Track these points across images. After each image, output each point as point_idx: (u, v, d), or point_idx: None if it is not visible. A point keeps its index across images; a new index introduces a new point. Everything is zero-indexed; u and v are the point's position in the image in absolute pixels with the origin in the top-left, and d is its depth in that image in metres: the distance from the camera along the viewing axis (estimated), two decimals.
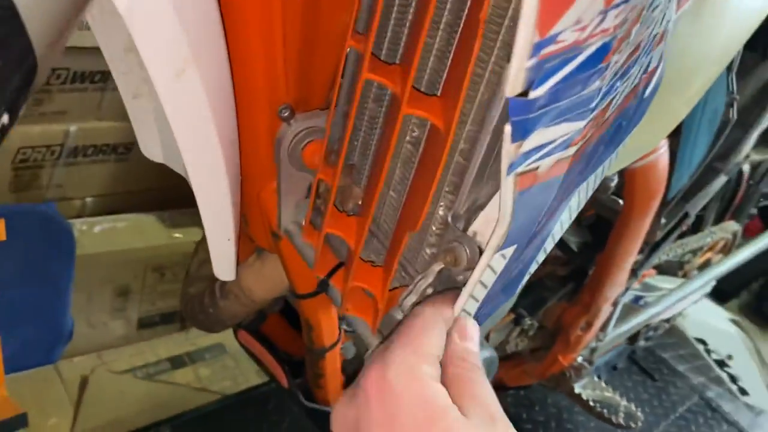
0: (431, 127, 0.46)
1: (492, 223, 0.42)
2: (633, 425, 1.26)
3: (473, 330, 0.46)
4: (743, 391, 2.33)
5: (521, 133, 0.30)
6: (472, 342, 0.45)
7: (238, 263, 0.75)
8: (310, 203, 0.58)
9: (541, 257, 0.48)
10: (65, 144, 1.58)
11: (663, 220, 1.01)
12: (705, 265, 1.64)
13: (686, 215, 1.06)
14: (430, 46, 0.45)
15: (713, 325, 2.43)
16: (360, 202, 0.56)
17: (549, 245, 0.47)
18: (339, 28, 0.54)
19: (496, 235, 0.38)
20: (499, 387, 1.34)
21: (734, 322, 2.52)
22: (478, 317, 0.46)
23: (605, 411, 1.23)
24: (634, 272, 1.07)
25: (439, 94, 0.45)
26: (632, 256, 0.99)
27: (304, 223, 0.61)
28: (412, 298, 0.51)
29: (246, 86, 0.52)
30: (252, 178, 0.60)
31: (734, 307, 2.91)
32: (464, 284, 0.52)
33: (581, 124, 0.34)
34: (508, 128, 0.30)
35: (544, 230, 0.43)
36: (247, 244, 0.71)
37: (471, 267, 0.47)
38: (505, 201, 0.35)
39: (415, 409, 0.39)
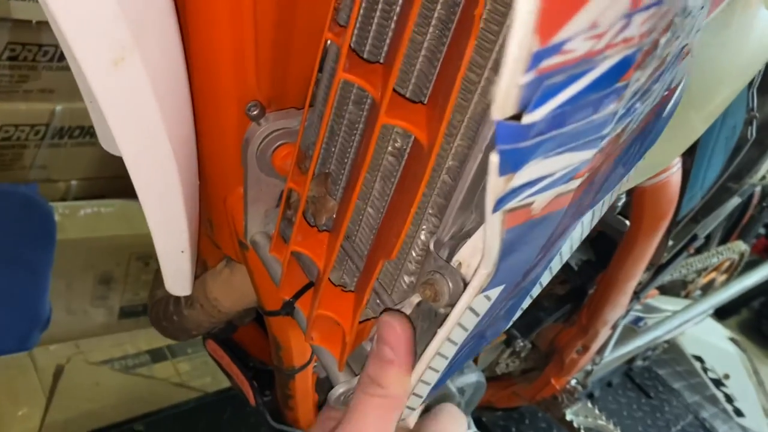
0: (414, 139, 0.39)
1: (477, 253, 0.36)
2: None
3: (393, 334, 0.40)
4: (738, 413, 2.29)
5: (512, 164, 0.24)
6: (385, 347, 0.40)
7: (207, 269, 0.69)
8: (279, 213, 0.52)
9: (536, 291, 0.41)
10: (51, 124, 1.52)
11: (670, 242, 0.95)
12: (708, 285, 1.58)
13: (695, 237, 0.99)
14: (419, 44, 0.39)
15: (711, 342, 2.39)
16: (334, 216, 0.49)
17: (546, 278, 0.41)
18: (321, 14, 0.47)
19: (478, 276, 0.32)
20: (487, 408, 1.28)
21: (733, 340, 2.47)
22: (454, 364, 0.40)
23: None
24: (636, 294, 1.01)
25: (425, 101, 0.39)
26: (636, 279, 0.93)
27: (272, 234, 0.55)
28: None
29: (209, 79, 0.46)
30: (217, 182, 0.53)
31: (733, 325, 2.85)
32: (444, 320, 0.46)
33: (589, 154, 0.27)
34: (494, 158, 0.23)
35: (541, 262, 0.37)
36: (216, 251, 0.65)
37: (453, 303, 0.41)
38: (491, 239, 0.29)
39: None
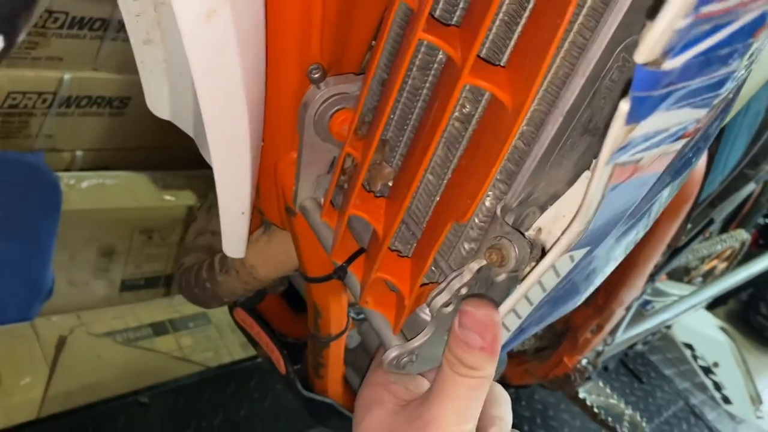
0: (491, 102, 0.39)
1: (561, 221, 0.36)
2: None
3: (475, 323, 0.41)
4: (726, 400, 2.33)
5: (640, 112, 0.24)
6: (472, 334, 0.41)
7: None
8: (333, 179, 0.52)
9: (610, 268, 0.42)
10: (58, 92, 1.50)
11: (689, 225, 0.96)
12: (710, 272, 1.60)
13: (711, 221, 1.00)
14: (498, 8, 0.39)
15: (702, 331, 2.42)
16: (390, 183, 0.49)
17: (620, 254, 0.41)
18: None
19: (570, 232, 0.32)
20: (501, 384, 1.28)
21: (723, 329, 2.50)
22: (524, 329, 0.40)
23: (609, 419, 1.19)
24: (651, 277, 1.02)
25: (503, 65, 0.39)
26: (654, 260, 0.94)
27: (323, 200, 0.55)
28: (444, 298, 0.45)
29: (276, 38, 0.46)
30: (271, 145, 0.54)
31: (721, 315, 2.90)
32: (504, 286, 0.47)
33: (702, 112, 0.28)
34: (625, 105, 0.23)
35: (627, 234, 0.37)
36: (255, 217, 0.65)
37: (518, 269, 0.42)
38: (593, 194, 0.29)
39: None
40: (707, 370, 2.37)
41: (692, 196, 0.84)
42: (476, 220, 0.44)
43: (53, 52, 1.44)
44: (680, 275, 1.51)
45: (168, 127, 0.63)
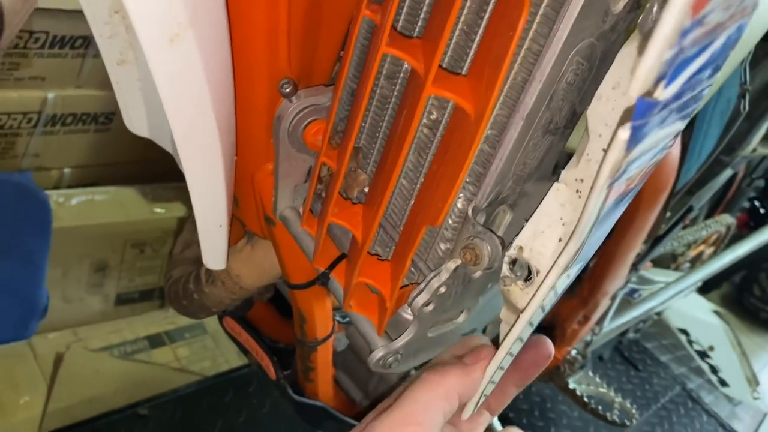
0: (455, 110, 0.41)
1: (541, 237, 0.38)
2: (627, 423, 1.23)
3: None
4: (723, 383, 2.35)
5: (638, 138, 0.25)
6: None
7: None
8: (310, 188, 0.53)
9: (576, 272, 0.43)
10: (43, 111, 1.51)
11: (668, 214, 0.98)
12: (697, 258, 1.62)
13: (690, 208, 1.02)
14: (456, 20, 0.40)
15: (696, 316, 2.44)
16: (366, 190, 0.51)
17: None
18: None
19: (566, 252, 0.33)
20: None
21: (717, 313, 2.53)
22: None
23: (600, 408, 1.20)
24: (634, 266, 1.04)
25: (464, 73, 0.41)
26: (635, 250, 0.95)
27: (302, 209, 0.56)
28: (424, 297, 0.46)
29: (245, 56, 0.47)
30: (247, 158, 0.55)
31: (716, 298, 2.92)
32: (481, 283, 0.48)
33: (685, 122, 0.29)
34: (624, 134, 0.24)
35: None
36: (238, 228, 0.67)
37: (491, 266, 0.43)
38: (590, 214, 0.30)
39: None
40: (703, 354, 2.38)
41: (668, 185, 0.85)
42: (450, 222, 0.45)
43: (36, 72, 1.45)
44: (668, 262, 1.52)
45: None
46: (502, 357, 0.40)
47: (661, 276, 1.36)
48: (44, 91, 1.49)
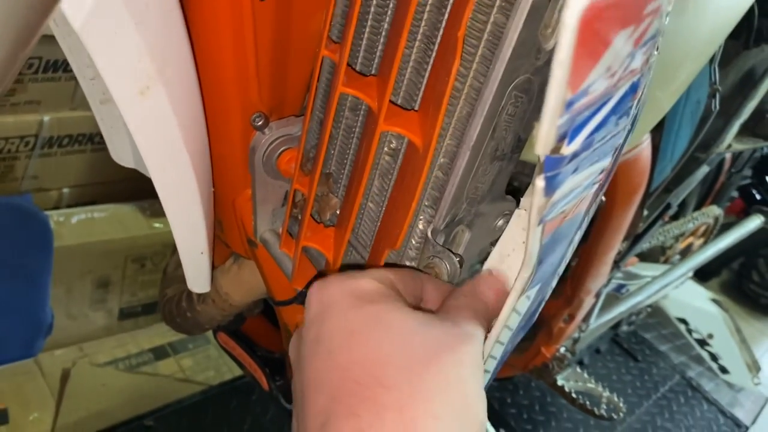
0: (408, 143, 0.44)
1: (507, 260, 0.41)
2: (615, 416, 1.27)
3: (492, 283, 0.42)
4: (723, 370, 2.36)
5: (554, 185, 0.28)
6: (487, 289, 0.42)
7: (214, 267, 0.73)
8: (286, 212, 0.57)
9: (555, 282, 0.46)
10: (39, 134, 1.55)
11: (645, 212, 1.01)
12: (687, 250, 1.65)
13: (668, 206, 1.05)
14: (407, 57, 0.43)
15: (695, 304, 2.46)
16: (338, 212, 0.54)
17: (562, 267, 0.46)
18: (312, 33, 0.52)
19: (520, 279, 0.36)
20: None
21: (715, 301, 2.55)
22: (500, 360, 0.45)
23: (587, 403, 1.24)
24: (616, 264, 1.07)
25: (416, 108, 0.44)
26: (615, 249, 0.98)
27: (280, 231, 0.60)
28: None
29: (217, 95, 0.50)
30: (226, 186, 0.58)
31: (715, 286, 2.94)
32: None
33: (608, 160, 0.32)
34: (540, 183, 0.28)
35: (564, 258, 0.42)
36: (224, 248, 0.70)
37: (452, 281, 0.47)
38: (532, 247, 0.33)
39: (345, 295, 0.38)
40: (702, 343, 2.40)
41: (641, 185, 0.88)
42: (413, 242, 0.48)
43: (31, 97, 1.49)
44: (657, 255, 1.55)
45: None
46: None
47: (648, 270, 1.39)
48: (40, 115, 1.53)
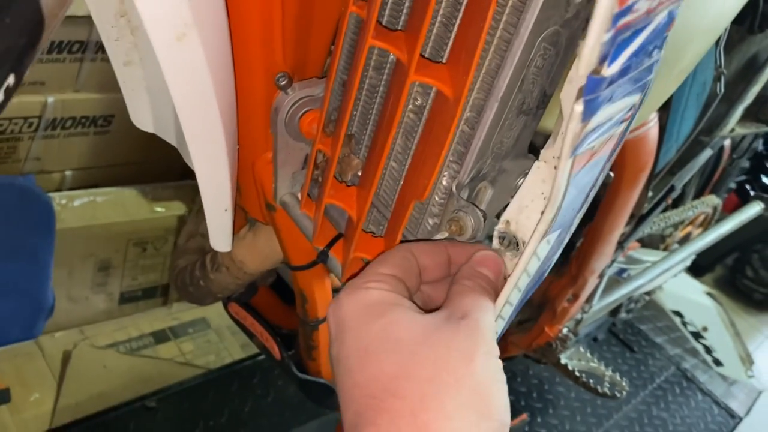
0: (437, 95, 0.45)
1: (525, 210, 0.42)
2: (618, 394, 1.28)
3: (489, 259, 0.44)
4: (717, 362, 2.38)
5: (590, 111, 0.29)
6: (485, 268, 0.44)
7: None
8: (307, 174, 0.57)
9: (570, 234, 0.47)
10: (43, 116, 1.55)
11: (650, 193, 1.02)
12: (685, 239, 1.67)
13: (672, 188, 1.06)
14: (435, 12, 0.44)
15: (689, 297, 2.48)
16: (359, 173, 0.55)
17: (578, 219, 0.47)
18: None
19: (544, 220, 0.37)
20: None
21: (710, 294, 2.57)
22: (516, 308, 0.46)
23: (591, 381, 1.25)
24: (620, 244, 1.08)
25: (444, 61, 0.45)
26: (620, 229, 1.00)
27: (300, 194, 0.60)
28: None
29: (243, 53, 0.51)
30: (247, 148, 0.59)
31: (709, 281, 2.96)
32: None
33: (638, 97, 0.33)
34: (579, 107, 0.29)
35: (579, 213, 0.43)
36: (240, 216, 0.71)
37: (475, 236, 0.47)
38: (559, 183, 0.34)
39: (356, 313, 0.40)
40: (697, 335, 2.42)
41: (648, 165, 0.90)
42: (436, 198, 0.49)
43: (35, 77, 1.49)
44: (657, 243, 1.57)
45: (153, 141, 0.68)
46: (495, 319, 0.44)
47: (648, 256, 1.41)
48: (44, 96, 1.53)
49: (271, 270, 0.77)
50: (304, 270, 0.66)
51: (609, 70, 0.27)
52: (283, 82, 0.54)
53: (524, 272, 0.41)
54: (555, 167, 0.41)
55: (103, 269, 1.73)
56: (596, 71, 0.27)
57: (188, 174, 1.93)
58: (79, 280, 1.70)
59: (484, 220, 0.47)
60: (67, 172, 1.70)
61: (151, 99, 0.61)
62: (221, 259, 0.74)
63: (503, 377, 0.39)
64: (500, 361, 0.39)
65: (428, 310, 0.42)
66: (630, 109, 0.34)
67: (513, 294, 0.44)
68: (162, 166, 1.80)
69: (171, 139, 0.64)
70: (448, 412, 0.36)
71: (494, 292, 0.43)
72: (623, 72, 0.29)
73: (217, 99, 0.45)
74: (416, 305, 0.42)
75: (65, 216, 1.62)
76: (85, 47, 1.50)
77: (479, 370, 0.37)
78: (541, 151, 0.43)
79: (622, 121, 0.35)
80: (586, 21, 0.44)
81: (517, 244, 0.44)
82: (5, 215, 1.45)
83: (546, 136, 0.44)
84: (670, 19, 0.30)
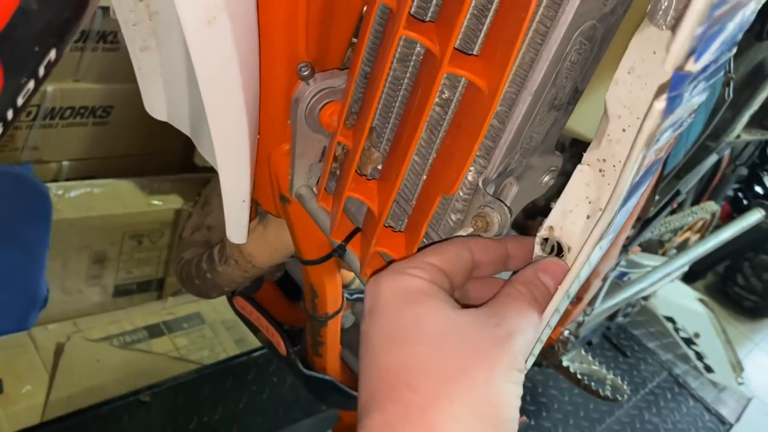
0: (468, 88, 0.44)
1: (570, 216, 0.41)
2: (619, 398, 1.28)
3: (556, 269, 0.43)
4: (708, 369, 2.39)
5: (672, 108, 0.28)
6: (548, 277, 0.42)
7: None
8: (326, 167, 0.57)
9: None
10: (42, 105, 1.53)
11: (656, 197, 1.02)
12: (683, 244, 1.67)
13: (678, 192, 1.06)
14: (469, 4, 0.44)
15: (682, 304, 2.49)
16: (379, 167, 0.54)
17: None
18: None
19: (601, 224, 0.36)
20: None
21: (702, 301, 2.58)
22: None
23: (592, 384, 1.25)
24: (624, 247, 1.08)
25: (475, 53, 0.44)
26: (626, 231, 1.00)
27: (316, 187, 0.60)
28: None
29: (266, 41, 0.50)
30: (264, 139, 0.58)
31: (701, 288, 2.98)
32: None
33: (703, 97, 0.32)
34: (659, 105, 0.28)
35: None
36: (250, 209, 0.70)
37: (501, 233, 0.47)
38: (623, 185, 0.33)
39: (392, 296, 0.40)
40: (689, 341, 2.43)
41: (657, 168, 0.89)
42: (461, 194, 0.48)
43: None
44: (655, 248, 1.57)
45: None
46: (543, 328, 0.43)
47: (649, 260, 1.41)
48: (43, 84, 1.50)
49: (279, 265, 0.76)
50: (316, 264, 0.65)
51: (696, 66, 0.26)
52: (305, 72, 0.53)
53: (576, 279, 0.41)
54: (600, 171, 0.40)
55: (98, 261, 1.71)
56: (681, 68, 0.26)
57: (187, 168, 1.92)
58: (73, 271, 1.68)
59: (510, 217, 0.46)
60: (65, 163, 1.69)
61: (167, 86, 0.60)
62: (230, 251, 0.73)
63: (519, 392, 0.39)
64: (522, 376, 0.39)
65: (470, 305, 0.41)
66: (692, 112, 0.33)
67: (563, 302, 0.43)
68: (160, 159, 1.79)
69: (185, 128, 0.63)
70: (456, 413, 0.36)
71: (545, 304, 0.42)
72: (704, 68, 0.28)
73: (243, 86, 0.45)
74: (454, 300, 0.42)
75: (61, 207, 1.60)
76: (87, 36, 1.48)
77: (496, 381, 0.37)
78: (585, 154, 0.43)
79: (683, 124, 0.34)
80: (623, 16, 0.43)
81: (561, 250, 0.43)
82: (1, 203, 1.44)
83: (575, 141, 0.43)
84: (753, 15, 0.29)
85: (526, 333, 0.40)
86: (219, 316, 1.79)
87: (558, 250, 0.44)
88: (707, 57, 0.27)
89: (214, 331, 1.77)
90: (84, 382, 1.52)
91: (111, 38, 1.50)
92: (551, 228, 0.43)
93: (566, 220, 0.42)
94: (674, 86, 0.27)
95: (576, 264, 0.39)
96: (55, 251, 1.58)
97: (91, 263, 1.70)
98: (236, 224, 0.55)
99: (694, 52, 0.26)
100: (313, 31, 0.53)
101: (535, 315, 0.41)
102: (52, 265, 1.58)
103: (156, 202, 1.73)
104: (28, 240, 1.51)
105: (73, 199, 1.63)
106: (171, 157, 1.79)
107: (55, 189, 1.60)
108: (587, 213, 0.41)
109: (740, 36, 0.32)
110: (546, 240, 0.44)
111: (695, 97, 0.31)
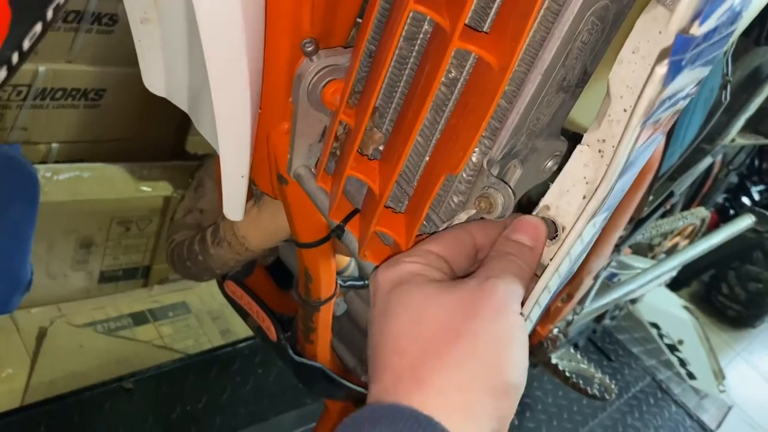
0: (477, 65, 0.44)
1: (566, 195, 0.41)
2: (607, 397, 1.28)
3: (528, 226, 0.44)
4: (691, 375, 2.41)
5: (672, 75, 0.28)
6: (521, 234, 0.44)
7: None
8: (326, 146, 0.56)
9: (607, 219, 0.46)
10: (33, 85, 1.51)
11: (650, 197, 1.02)
12: (673, 249, 1.68)
13: (671, 194, 1.07)
14: None
15: (667, 310, 2.49)
16: (381, 147, 0.53)
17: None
18: None
19: (595, 198, 0.36)
20: None
21: (686, 308, 2.58)
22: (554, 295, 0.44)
23: (581, 382, 1.25)
24: (617, 247, 1.08)
25: (485, 30, 0.43)
26: (620, 230, 1.00)
27: (317, 167, 0.59)
28: None
29: (272, 15, 0.49)
30: (264, 117, 0.57)
31: (685, 296, 2.99)
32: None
33: (707, 70, 0.32)
34: (660, 69, 0.27)
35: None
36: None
37: (504, 214, 0.46)
38: (620, 156, 0.33)
39: (387, 283, 0.43)
40: (672, 348, 2.44)
41: (653, 168, 0.89)
42: (464, 175, 0.48)
43: None
44: (644, 252, 1.58)
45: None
46: (531, 307, 0.43)
47: (638, 262, 1.41)
48: (35, 64, 1.49)
49: (272, 249, 0.75)
50: (313, 247, 0.64)
51: (700, 30, 0.26)
52: (310, 48, 0.52)
53: (567, 256, 0.40)
54: (600, 151, 0.40)
55: (84, 246, 1.69)
56: (685, 30, 0.25)
57: (178, 155, 1.90)
58: (59, 255, 1.66)
59: (514, 198, 0.46)
60: (54, 145, 1.66)
61: (166, 61, 0.59)
62: (223, 233, 0.72)
63: (515, 335, 0.40)
64: (517, 319, 0.40)
65: None
66: (697, 83, 0.33)
67: (553, 280, 0.43)
68: (151, 145, 1.76)
69: (183, 104, 0.62)
70: (443, 365, 0.38)
71: (528, 260, 0.43)
72: (708, 35, 0.27)
73: (247, 58, 0.44)
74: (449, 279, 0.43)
75: (49, 189, 1.57)
76: (81, 17, 1.46)
77: (483, 329, 0.39)
78: (585, 135, 0.42)
79: (688, 96, 0.33)
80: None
81: (556, 230, 0.43)
82: None
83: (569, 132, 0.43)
84: None
85: (507, 280, 0.41)
86: (205, 306, 1.77)
87: (554, 231, 0.44)
88: (711, 22, 0.27)
89: (200, 320, 1.75)
90: (66, 368, 1.49)
91: (106, 20, 1.48)
92: (547, 207, 0.43)
93: (562, 199, 0.42)
94: (677, 49, 0.26)
95: (567, 240, 0.39)
96: (41, 234, 1.56)
97: (78, 248, 1.68)
98: (234, 201, 0.54)
99: (700, 14, 0.25)
100: (319, 7, 0.52)
101: (513, 266, 0.42)
102: (37, 249, 1.56)
103: (145, 189, 1.71)
104: (14, 221, 1.48)
105: (61, 182, 1.61)
106: (162, 144, 1.77)
107: (43, 171, 1.58)
108: (583, 193, 0.40)
109: (743, 11, 0.32)
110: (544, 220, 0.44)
111: (699, 67, 0.31)
